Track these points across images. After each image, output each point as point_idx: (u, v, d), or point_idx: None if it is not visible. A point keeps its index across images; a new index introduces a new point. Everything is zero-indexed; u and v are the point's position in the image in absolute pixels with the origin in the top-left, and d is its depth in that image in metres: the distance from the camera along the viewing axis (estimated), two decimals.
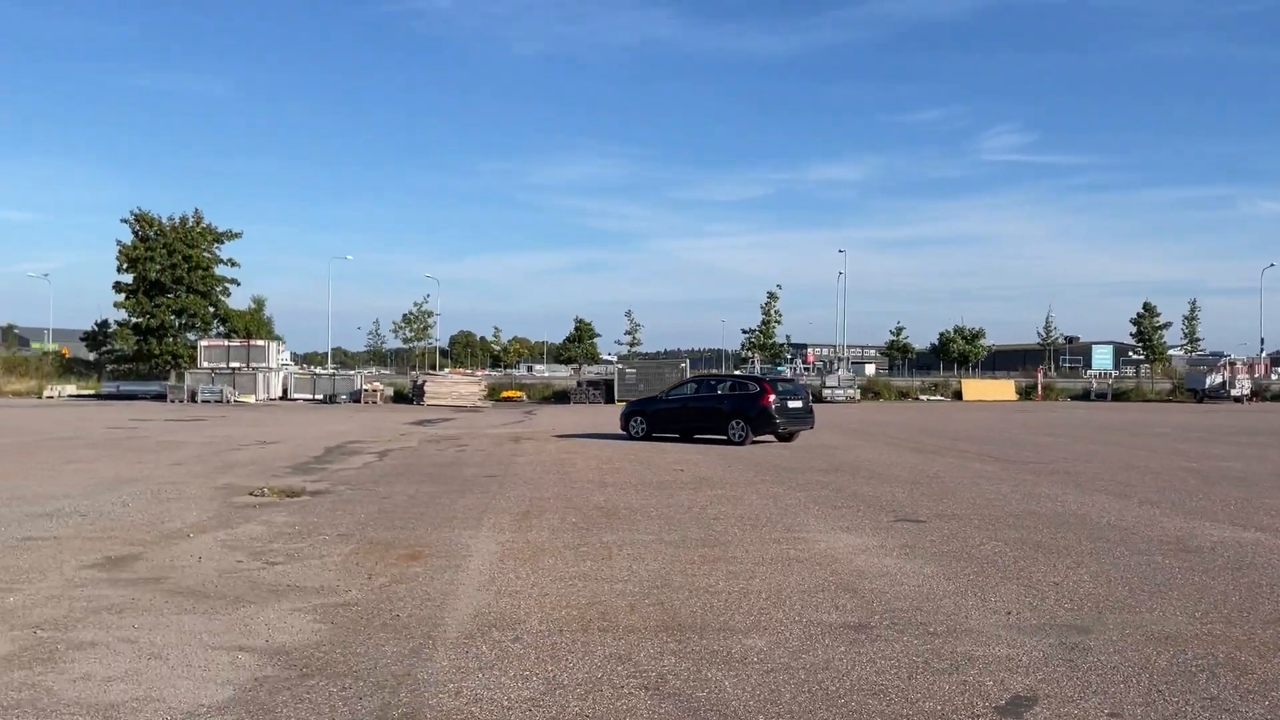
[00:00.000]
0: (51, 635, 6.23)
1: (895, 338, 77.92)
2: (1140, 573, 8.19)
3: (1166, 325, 75.18)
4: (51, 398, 48.71)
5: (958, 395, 54.28)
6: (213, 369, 48.00)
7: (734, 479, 15.18)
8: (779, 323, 60.01)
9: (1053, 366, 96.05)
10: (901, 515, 11.47)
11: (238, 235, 57.58)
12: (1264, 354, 70.60)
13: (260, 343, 50.75)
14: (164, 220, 55.19)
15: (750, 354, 57.95)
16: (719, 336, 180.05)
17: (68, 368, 58.43)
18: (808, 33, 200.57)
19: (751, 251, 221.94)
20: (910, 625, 6.49)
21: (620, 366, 52.75)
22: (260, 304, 62.86)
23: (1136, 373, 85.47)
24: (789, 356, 77.18)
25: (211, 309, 56.82)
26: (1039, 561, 8.67)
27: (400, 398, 48.56)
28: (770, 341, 59.58)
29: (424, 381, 48.48)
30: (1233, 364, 54.51)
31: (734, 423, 21.69)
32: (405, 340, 70.97)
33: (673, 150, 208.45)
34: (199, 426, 28.52)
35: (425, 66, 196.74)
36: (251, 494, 13.30)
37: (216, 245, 56.49)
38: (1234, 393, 51.81)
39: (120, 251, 54.15)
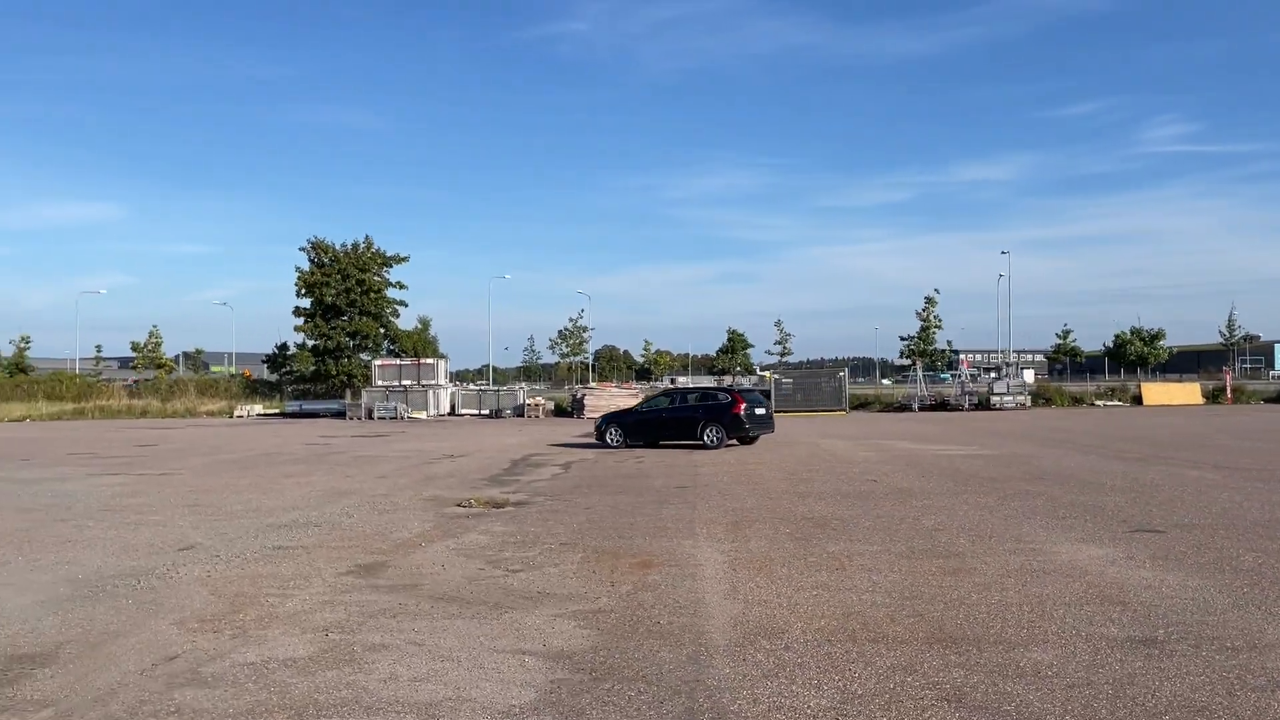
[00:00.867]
0: (342, 638, 6.61)
1: (1062, 341, 73.69)
2: None
3: None
4: (241, 416, 52.06)
5: (1136, 400, 51.21)
6: (386, 387, 50.31)
7: (934, 489, 14.76)
8: (939, 328, 58.08)
9: (1235, 367, 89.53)
10: (1136, 526, 10.86)
11: (405, 259, 59.92)
12: None
13: (429, 361, 52.82)
14: (337, 246, 58.15)
15: (912, 361, 56.16)
16: (870, 344, 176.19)
17: (251, 389, 62.30)
18: (949, 30, 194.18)
19: (898, 257, 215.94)
20: (1204, 640, 6.12)
21: (777, 376, 52.16)
22: (426, 324, 65.55)
23: None
24: (950, 362, 74.46)
25: (382, 330, 59.36)
26: None
27: (560, 411, 49.57)
28: (930, 348, 57.69)
29: (583, 395, 49.29)
30: None
31: (710, 429, 23.77)
32: (562, 355, 72.28)
33: (812, 158, 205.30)
34: (386, 441, 29.91)
35: (568, 87, 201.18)
36: (459, 505, 13.83)
37: (385, 269, 59.01)
38: None
39: (299, 277, 57.23)
